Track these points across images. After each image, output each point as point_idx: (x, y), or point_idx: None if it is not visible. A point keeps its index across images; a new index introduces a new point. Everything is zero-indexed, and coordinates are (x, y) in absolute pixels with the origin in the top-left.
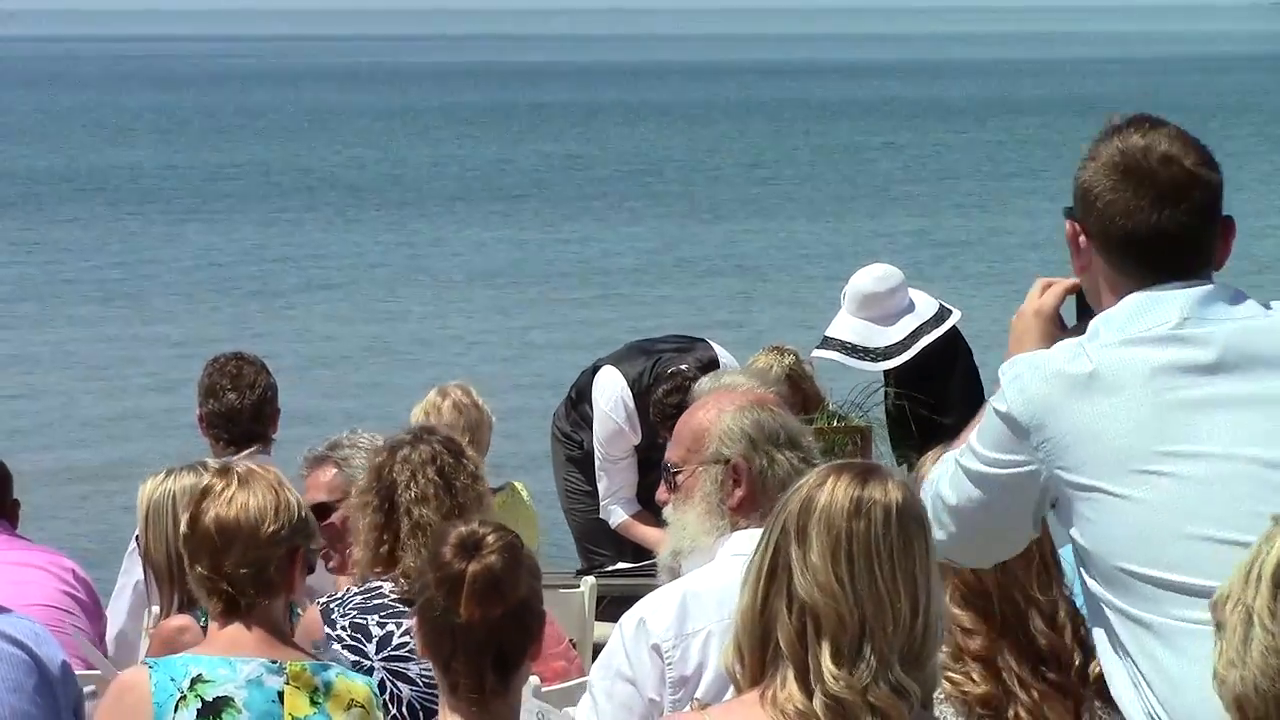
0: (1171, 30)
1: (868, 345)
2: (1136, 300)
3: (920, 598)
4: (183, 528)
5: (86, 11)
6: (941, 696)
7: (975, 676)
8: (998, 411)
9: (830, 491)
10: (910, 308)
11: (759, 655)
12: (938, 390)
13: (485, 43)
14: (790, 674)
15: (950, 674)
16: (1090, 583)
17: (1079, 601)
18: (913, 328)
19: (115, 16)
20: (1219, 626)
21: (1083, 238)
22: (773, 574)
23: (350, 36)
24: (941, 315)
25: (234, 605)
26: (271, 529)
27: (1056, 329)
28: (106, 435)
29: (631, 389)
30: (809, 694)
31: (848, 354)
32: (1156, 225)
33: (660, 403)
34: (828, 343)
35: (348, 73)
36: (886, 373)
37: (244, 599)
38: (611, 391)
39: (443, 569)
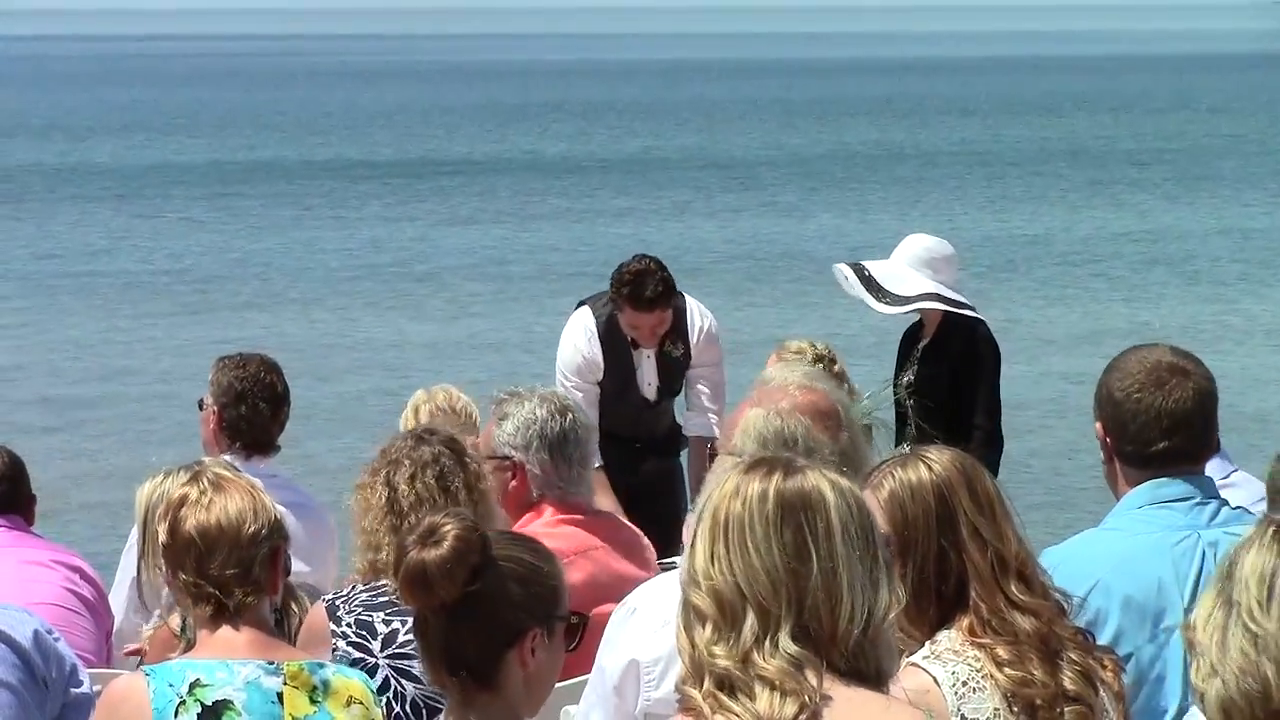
0: (1170, 29)
1: (952, 296)
2: None
3: (808, 569)
4: (162, 537)
5: (78, 11)
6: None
7: (1036, 672)
8: None
9: (720, 485)
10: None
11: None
12: (960, 396)
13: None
14: (688, 676)
15: (1010, 671)
16: None
17: None
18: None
19: (116, 16)
20: (1191, 648)
21: None
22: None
23: (376, 35)
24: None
25: (222, 607)
26: (252, 529)
27: None
28: (130, 430)
29: (598, 324)
30: (700, 683)
31: (946, 304)
32: None
33: (617, 273)
34: (907, 300)
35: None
36: (903, 372)
37: (231, 600)
38: (576, 321)
39: (399, 554)
